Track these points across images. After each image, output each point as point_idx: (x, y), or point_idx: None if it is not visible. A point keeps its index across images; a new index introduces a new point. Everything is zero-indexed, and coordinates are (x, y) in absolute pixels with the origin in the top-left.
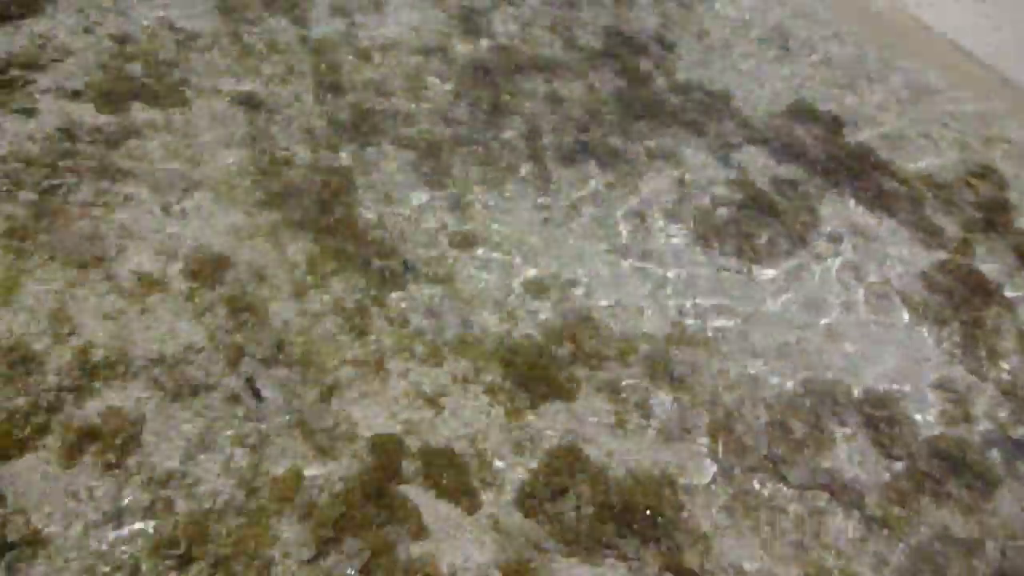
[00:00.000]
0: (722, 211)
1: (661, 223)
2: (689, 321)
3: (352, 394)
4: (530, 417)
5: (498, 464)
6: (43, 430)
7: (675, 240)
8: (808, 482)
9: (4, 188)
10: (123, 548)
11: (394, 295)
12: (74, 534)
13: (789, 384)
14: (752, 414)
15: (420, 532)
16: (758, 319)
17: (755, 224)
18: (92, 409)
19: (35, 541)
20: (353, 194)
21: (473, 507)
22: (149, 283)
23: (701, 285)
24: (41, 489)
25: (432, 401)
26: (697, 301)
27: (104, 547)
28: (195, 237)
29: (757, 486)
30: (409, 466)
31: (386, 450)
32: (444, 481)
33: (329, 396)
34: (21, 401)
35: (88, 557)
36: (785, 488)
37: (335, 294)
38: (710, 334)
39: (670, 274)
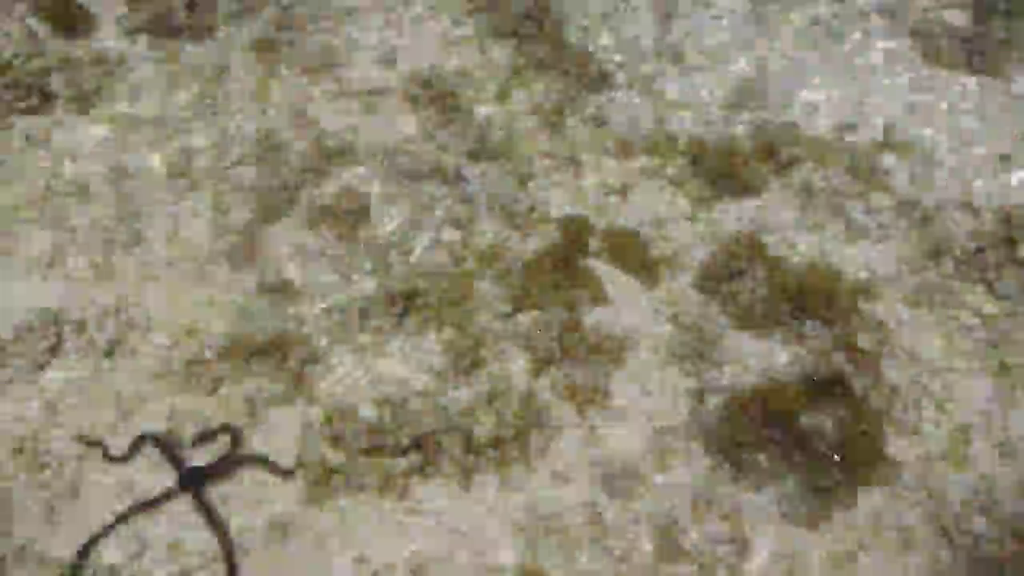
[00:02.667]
0: None
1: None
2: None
3: (546, 182)
4: (715, 207)
5: (678, 245)
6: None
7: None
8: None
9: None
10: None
11: (592, 97)
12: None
13: None
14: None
15: (601, 299)
16: None
17: None
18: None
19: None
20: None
21: (652, 282)
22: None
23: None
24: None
25: (620, 190)
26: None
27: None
28: (410, 45)
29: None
30: (595, 243)
31: (575, 229)
32: (627, 258)
33: (525, 184)
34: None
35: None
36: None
37: (535, 96)
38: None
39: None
